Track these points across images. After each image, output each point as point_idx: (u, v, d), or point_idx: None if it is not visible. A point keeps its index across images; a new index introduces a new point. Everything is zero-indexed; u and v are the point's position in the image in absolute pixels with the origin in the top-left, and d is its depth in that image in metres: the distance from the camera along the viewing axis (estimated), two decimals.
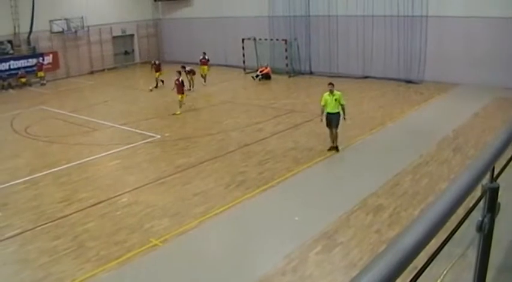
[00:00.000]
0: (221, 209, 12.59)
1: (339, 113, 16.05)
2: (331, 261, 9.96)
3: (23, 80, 36.58)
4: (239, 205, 12.86)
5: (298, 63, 32.48)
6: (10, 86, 36.09)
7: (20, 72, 36.63)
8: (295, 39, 32.21)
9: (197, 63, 30.12)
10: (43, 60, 37.61)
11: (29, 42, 37.31)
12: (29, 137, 21.25)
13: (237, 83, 30.75)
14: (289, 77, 31.39)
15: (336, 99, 15.89)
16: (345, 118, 16.23)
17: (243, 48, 33.89)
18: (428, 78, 27.37)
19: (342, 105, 16.05)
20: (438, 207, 1.65)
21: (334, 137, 16.43)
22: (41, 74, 36.91)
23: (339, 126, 16.26)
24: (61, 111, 24.82)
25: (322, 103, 16.14)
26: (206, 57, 30.45)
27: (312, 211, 12.33)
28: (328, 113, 16.10)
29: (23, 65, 36.89)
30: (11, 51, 36.81)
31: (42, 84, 36.44)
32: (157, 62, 31.01)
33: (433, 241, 1.59)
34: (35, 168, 17.00)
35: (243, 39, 33.76)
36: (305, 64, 32.35)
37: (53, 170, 16.74)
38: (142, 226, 11.98)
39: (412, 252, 1.46)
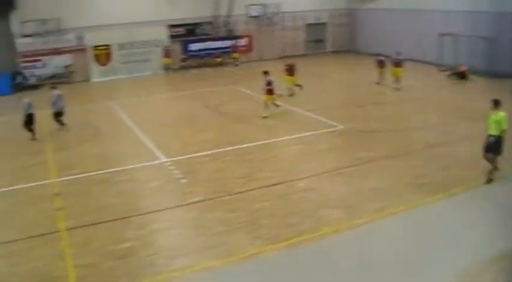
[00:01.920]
0: (396, 209, 12.09)
1: (499, 136, 13.11)
2: None
3: (219, 60, 38.93)
4: (416, 208, 12.23)
5: (502, 64, 29.55)
6: (206, 65, 38.57)
7: (216, 53, 38.98)
8: (498, 37, 29.46)
9: (389, 56, 28.35)
10: (238, 42, 39.55)
11: (226, 25, 39.42)
12: (220, 114, 22.47)
13: (429, 80, 29.35)
14: (489, 78, 28.98)
15: (497, 121, 13.02)
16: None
17: (439, 44, 32.14)
18: None
19: (502, 130, 13.01)
20: None
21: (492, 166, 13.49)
22: (235, 55, 38.93)
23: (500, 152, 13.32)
24: (251, 92, 25.85)
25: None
26: (400, 58, 26.78)
27: (496, 230, 11.22)
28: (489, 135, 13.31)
29: (219, 46, 39.34)
30: (210, 33, 39.29)
31: (236, 65, 38.34)
32: (290, 65, 26.55)
33: None
34: (221, 143, 17.99)
35: (439, 35, 31.97)
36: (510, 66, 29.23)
37: (237, 146, 17.56)
38: (315, 213, 12.01)
39: None
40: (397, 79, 26.26)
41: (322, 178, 14.30)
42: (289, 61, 25.92)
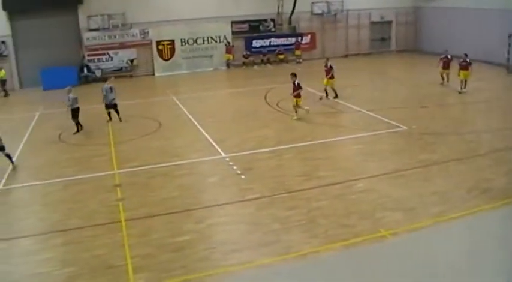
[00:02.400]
0: (459, 214, 11.66)
1: None
2: None
3: (281, 56, 38.92)
4: (479, 214, 11.74)
5: None
6: (269, 62, 38.61)
7: (278, 49, 38.96)
8: None
9: (452, 57, 27.10)
10: (301, 39, 39.49)
11: (290, 22, 39.36)
12: (280, 111, 22.43)
13: (497, 82, 28.31)
14: None
15: None
16: None
17: (509, 45, 30.90)
18: None
19: None
20: None
21: None
22: (298, 52, 38.80)
23: None
24: (312, 90, 25.64)
25: None
26: (467, 60, 25.01)
27: None
28: None
29: (282, 43, 39.36)
30: (273, 29, 39.32)
31: (298, 63, 38.21)
32: (329, 65, 24.97)
33: None
34: (281, 141, 17.96)
35: (509, 35, 30.69)
36: None
37: (297, 144, 17.48)
38: (373, 214, 11.78)
39: None
40: (464, 82, 24.86)
41: (382, 179, 14.01)
42: (328, 62, 24.90)
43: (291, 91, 21.12)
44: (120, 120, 22.55)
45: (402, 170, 14.60)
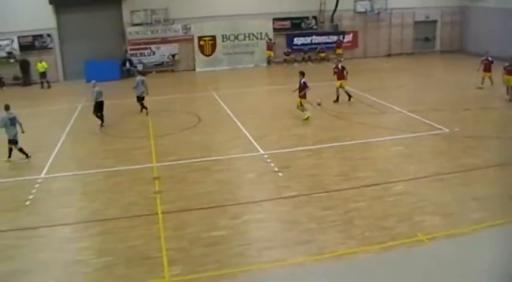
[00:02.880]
0: (499, 222, 11.28)
1: None
2: None
3: (322, 54, 38.68)
4: None
5: None
6: (310, 59, 38.44)
7: (320, 47, 38.73)
8: None
9: (502, 58, 26.37)
10: (343, 38, 39.16)
11: (332, 20, 39.05)
12: (320, 109, 22.26)
13: None
14: None
15: None
16: None
17: None
18: None
19: None
20: None
21: None
22: (339, 51, 38.49)
23: None
24: (353, 90, 25.40)
25: None
26: None
27: None
28: None
29: (323, 41, 39.12)
30: (315, 27, 39.11)
31: (339, 61, 37.80)
32: (340, 66, 24.24)
33: None
34: (319, 139, 17.88)
35: None
36: None
37: (336, 144, 17.34)
38: (411, 218, 11.58)
39: None
40: (510, 88, 23.39)
41: (421, 182, 13.76)
42: (340, 63, 24.22)
43: (298, 90, 20.91)
44: (147, 114, 23.12)
45: (442, 173, 14.29)
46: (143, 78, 23.78)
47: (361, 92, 24.84)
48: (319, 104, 22.22)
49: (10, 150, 17.19)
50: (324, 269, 9.69)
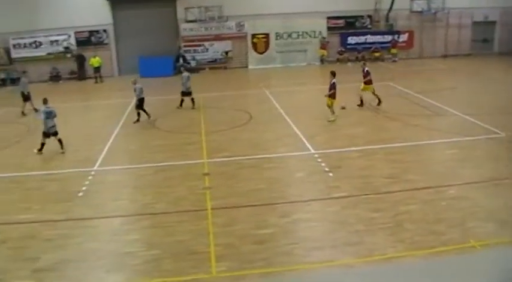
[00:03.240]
0: None
1: None
2: None
3: (376, 54, 38.19)
4: None
5: None
6: (363, 59, 37.96)
7: (374, 47, 38.25)
8: None
9: None
10: (398, 37, 38.56)
11: (387, 19, 38.47)
12: (372, 110, 22.04)
13: None
14: None
15: None
16: None
17: None
18: None
19: None
20: None
21: None
22: (394, 51, 37.94)
23: None
24: (407, 91, 24.99)
25: None
26: None
27: None
28: None
29: (378, 40, 38.63)
30: (370, 26, 38.63)
31: (394, 61, 37.35)
32: (365, 70, 22.82)
33: None
34: (371, 140, 17.62)
35: None
36: None
37: (387, 145, 17.06)
38: (464, 223, 11.27)
39: None
40: None
41: (475, 187, 13.36)
42: (366, 67, 23.12)
43: (327, 91, 20.69)
44: (193, 108, 23.90)
45: (498, 178, 13.85)
46: (189, 74, 24.44)
47: (415, 94, 24.38)
48: (343, 108, 21.95)
49: (42, 145, 17.67)
50: (371, 271, 9.58)
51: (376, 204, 12.42)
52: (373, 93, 22.72)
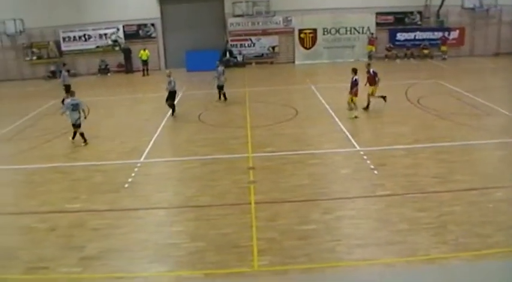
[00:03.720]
0: None
1: None
2: None
3: (426, 51, 37.48)
4: None
5: None
6: (412, 56, 37.40)
7: (423, 44, 37.55)
8: None
9: None
10: (448, 34, 37.71)
11: (438, 15, 37.67)
12: (420, 108, 21.69)
13: None
14: None
15: None
16: None
17: None
18: None
19: None
20: None
21: None
22: (443, 48, 37.13)
23: None
24: (456, 89, 24.51)
25: None
26: None
27: None
28: None
29: (427, 37, 37.87)
30: (419, 23, 37.94)
31: (443, 59, 36.59)
32: (372, 72, 21.65)
33: None
34: (418, 139, 17.38)
35: None
36: None
37: (435, 144, 16.78)
38: (511, 227, 11.04)
39: None
40: None
41: None
42: (371, 68, 21.94)
43: (349, 88, 20.78)
44: (225, 100, 24.65)
45: None
46: (222, 68, 25.04)
47: (465, 92, 23.88)
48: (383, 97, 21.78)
49: (74, 133, 18.43)
50: (413, 271, 9.52)
51: (421, 203, 12.27)
52: (370, 94, 21.81)
